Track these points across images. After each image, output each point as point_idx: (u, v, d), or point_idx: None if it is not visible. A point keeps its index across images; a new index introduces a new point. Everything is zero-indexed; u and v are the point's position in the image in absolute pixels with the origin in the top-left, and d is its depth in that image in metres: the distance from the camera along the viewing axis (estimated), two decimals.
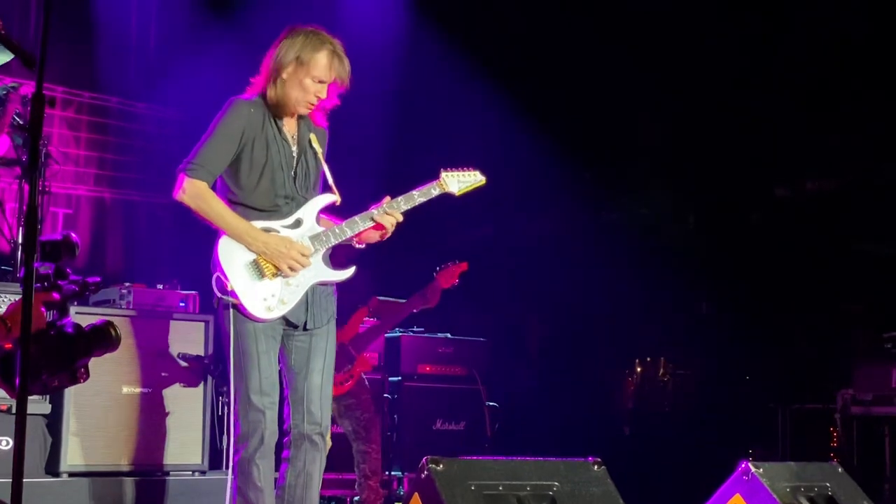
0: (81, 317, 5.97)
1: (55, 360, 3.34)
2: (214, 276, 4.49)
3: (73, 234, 3.37)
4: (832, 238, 8.90)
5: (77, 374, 3.48)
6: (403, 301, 7.02)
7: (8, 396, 3.61)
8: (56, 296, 3.29)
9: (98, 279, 3.44)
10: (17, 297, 3.71)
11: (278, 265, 4.49)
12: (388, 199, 4.67)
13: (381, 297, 7.09)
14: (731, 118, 9.18)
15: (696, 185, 9.58)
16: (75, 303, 6.28)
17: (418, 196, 4.72)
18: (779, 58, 8.81)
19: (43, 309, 3.32)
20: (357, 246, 4.71)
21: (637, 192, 9.92)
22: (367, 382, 6.98)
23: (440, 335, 8.20)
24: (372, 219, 4.62)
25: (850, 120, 8.65)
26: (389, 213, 4.61)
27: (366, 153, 8.23)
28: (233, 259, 4.49)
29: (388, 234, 4.66)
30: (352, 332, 6.81)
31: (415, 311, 6.97)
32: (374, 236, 4.69)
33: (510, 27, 9.41)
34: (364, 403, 6.83)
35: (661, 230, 9.79)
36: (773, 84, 8.90)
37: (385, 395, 7.69)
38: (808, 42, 8.62)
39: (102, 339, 3.47)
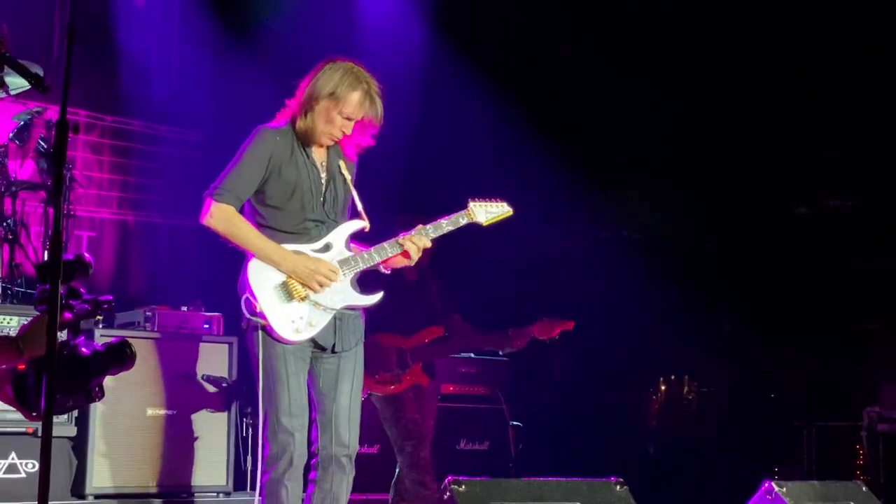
0: (105, 340, 6.00)
1: (69, 380, 3.35)
2: (243, 297, 4.52)
3: (87, 254, 3.38)
4: (854, 254, 8.87)
5: (92, 394, 3.48)
6: (483, 333, 6.95)
7: (33, 419, 3.61)
8: (68, 316, 3.29)
9: (110, 297, 3.45)
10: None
11: (308, 283, 4.52)
12: (420, 226, 4.74)
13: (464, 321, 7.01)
14: (751, 137, 9.17)
15: (717, 203, 9.56)
16: (100, 325, 6.33)
17: (446, 225, 4.80)
18: (799, 76, 8.80)
19: None
20: (384, 272, 4.76)
21: (658, 210, 9.90)
22: (436, 408, 6.89)
23: (463, 355, 8.18)
24: (399, 244, 4.67)
25: (870, 137, 8.63)
26: (416, 239, 4.67)
27: (390, 180, 8.24)
28: (262, 281, 4.52)
29: (415, 260, 4.71)
30: (416, 342, 6.73)
31: (495, 348, 6.93)
32: (401, 262, 4.74)
33: (528, 50, 9.42)
34: (427, 433, 6.70)
35: (683, 249, 9.76)
36: (793, 102, 8.89)
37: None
38: (827, 60, 8.60)
39: (117, 357, 3.47)
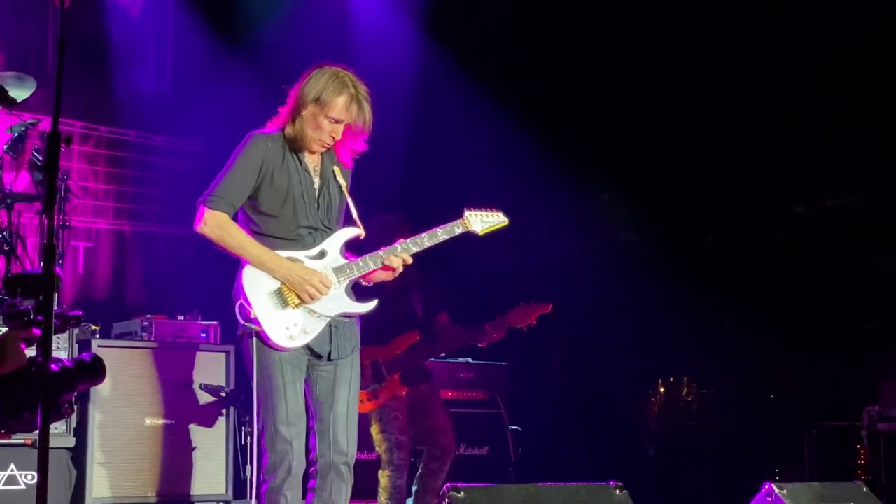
0: (103, 350, 6.02)
1: (38, 396, 3.31)
2: (238, 303, 4.52)
3: (56, 267, 3.34)
4: (853, 254, 8.86)
5: (62, 410, 3.45)
6: (459, 331, 6.94)
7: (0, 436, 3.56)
8: (36, 332, 3.24)
9: (79, 312, 3.42)
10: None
11: (299, 293, 4.52)
12: (402, 240, 4.73)
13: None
14: (749, 137, 9.16)
15: (716, 203, 9.56)
16: (97, 336, 6.33)
17: (441, 233, 4.78)
18: (799, 75, 8.80)
19: (23, 346, 3.26)
20: (365, 284, 4.75)
21: (656, 212, 9.90)
22: (444, 405, 6.96)
23: (461, 360, 8.17)
24: (395, 254, 4.66)
25: (869, 136, 8.62)
26: (401, 255, 4.67)
27: (385, 186, 8.25)
28: (256, 287, 4.52)
29: (398, 273, 4.73)
30: (391, 353, 6.73)
31: (474, 342, 6.92)
32: (383, 276, 4.74)
33: (522, 54, 9.42)
34: (443, 425, 6.83)
35: (682, 250, 9.76)
36: (793, 100, 8.88)
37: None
38: (827, 59, 8.59)
39: (87, 373, 3.45)
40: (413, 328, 6.75)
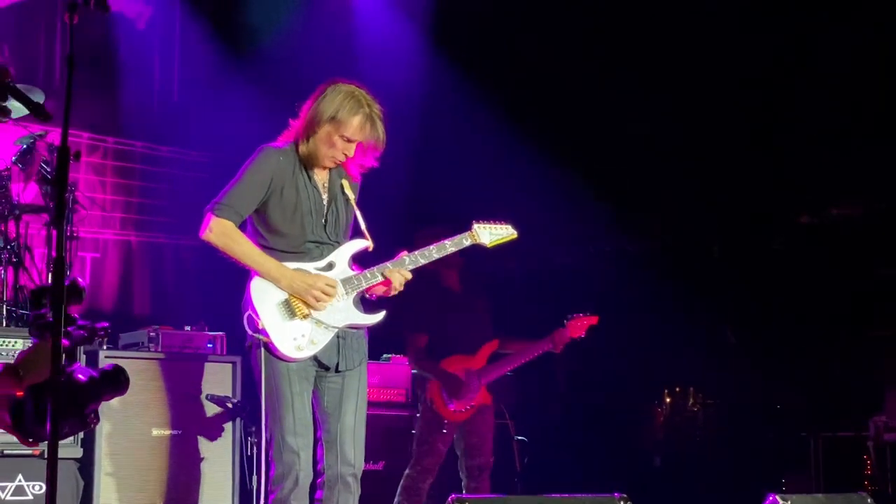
0: (110, 361, 6.03)
1: (66, 406, 3.35)
2: (246, 314, 4.54)
3: (80, 279, 3.38)
4: (858, 263, 8.85)
5: (87, 420, 3.49)
6: (529, 342, 7.02)
7: (29, 444, 3.59)
8: (65, 342, 3.28)
9: (107, 324, 3.45)
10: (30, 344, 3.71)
11: (305, 299, 4.54)
12: (405, 252, 4.76)
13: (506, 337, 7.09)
14: (754, 146, 9.16)
15: (721, 213, 9.56)
16: (105, 346, 6.35)
17: (450, 245, 4.83)
18: (803, 83, 8.80)
19: None
20: (367, 297, 4.77)
21: (661, 222, 9.90)
22: (493, 422, 7.05)
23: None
24: (403, 266, 4.69)
25: (874, 144, 8.61)
26: (398, 271, 4.68)
27: (390, 198, 8.25)
28: (265, 298, 4.54)
29: (397, 291, 4.73)
30: (481, 361, 6.82)
31: (539, 353, 7.00)
32: (381, 291, 4.75)
33: (528, 64, 9.43)
34: (485, 446, 6.97)
35: (687, 260, 9.76)
36: (797, 110, 8.88)
37: (413, 430, 7.69)
38: (832, 67, 8.59)
39: (112, 383, 3.48)
40: (490, 335, 6.87)
